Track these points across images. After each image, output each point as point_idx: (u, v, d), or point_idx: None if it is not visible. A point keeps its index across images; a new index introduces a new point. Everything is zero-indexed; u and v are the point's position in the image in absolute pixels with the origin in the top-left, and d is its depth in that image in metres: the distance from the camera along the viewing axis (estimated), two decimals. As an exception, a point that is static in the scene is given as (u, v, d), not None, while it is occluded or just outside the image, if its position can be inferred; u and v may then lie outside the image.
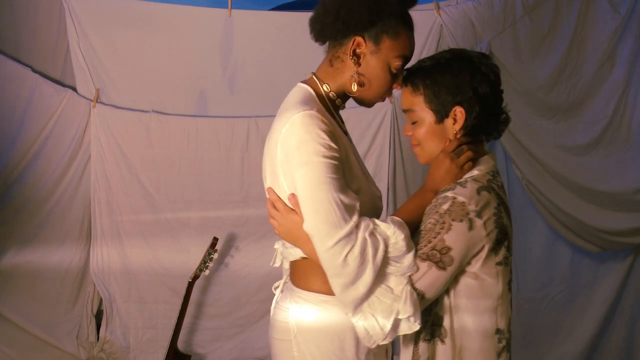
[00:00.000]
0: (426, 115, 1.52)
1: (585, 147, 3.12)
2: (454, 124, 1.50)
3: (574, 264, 3.37)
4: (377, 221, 1.41)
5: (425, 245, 1.42)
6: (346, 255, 1.35)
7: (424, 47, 3.30)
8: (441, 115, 1.50)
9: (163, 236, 3.47)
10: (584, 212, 3.13)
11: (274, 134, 1.48)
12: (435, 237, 1.41)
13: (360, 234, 1.37)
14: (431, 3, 3.35)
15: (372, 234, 1.38)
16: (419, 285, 1.40)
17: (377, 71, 1.49)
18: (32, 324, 3.39)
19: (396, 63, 1.50)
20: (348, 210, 1.38)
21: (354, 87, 1.50)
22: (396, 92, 1.61)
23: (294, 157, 1.41)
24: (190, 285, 3.25)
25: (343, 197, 1.39)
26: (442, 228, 1.41)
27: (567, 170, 3.16)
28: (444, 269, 1.41)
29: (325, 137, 1.40)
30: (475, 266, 1.45)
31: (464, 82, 1.47)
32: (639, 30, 2.96)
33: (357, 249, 1.36)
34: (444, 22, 3.33)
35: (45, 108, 3.32)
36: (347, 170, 1.47)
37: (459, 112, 1.49)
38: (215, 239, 3.30)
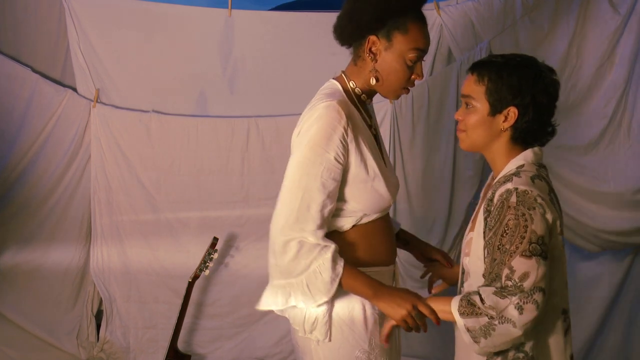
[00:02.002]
0: (482, 106, 1.58)
1: (585, 147, 3.12)
2: (503, 121, 1.58)
3: (574, 264, 3.37)
4: (329, 252, 1.52)
5: (521, 242, 1.44)
6: (296, 253, 1.52)
7: (423, 47, 3.31)
8: (495, 110, 1.57)
9: (163, 236, 3.47)
10: (584, 212, 3.13)
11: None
12: (526, 231, 1.44)
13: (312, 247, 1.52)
14: (431, 3, 3.34)
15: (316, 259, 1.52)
16: (538, 283, 1.43)
17: (393, 65, 1.61)
18: (32, 324, 3.39)
19: (411, 55, 1.61)
20: (320, 215, 1.53)
21: (373, 82, 1.63)
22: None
23: (297, 139, 1.58)
24: (190, 285, 3.25)
25: (322, 198, 1.53)
26: (526, 220, 1.45)
27: (567, 170, 3.16)
28: (546, 258, 1.45)
29: (335, 129, 1.53)
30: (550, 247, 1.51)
31: (527, 87, 1.56)
32: (639, 30, 2.96)
33: (295, 248, 1.52)
34: (444, 22, 3.33)
35: (45, 108, 3.32)
36: (357, 160, 1.59)
37: (512, 112, 1.56)
38: (215, 239, 3.30)
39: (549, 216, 1.48)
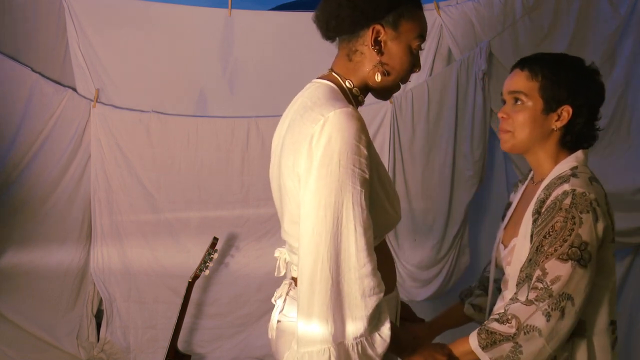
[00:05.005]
0: (535, 103, 1.51)
1: (585, 146, 3.12)
2: (556, 120, 1.51)
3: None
4: (386, 316, 1.34)
5: (561, 245, 1.36)
6: (373, 310, 1.30)
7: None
8: (550, 108, 1.50)
9: (163, 236, 3.47)
10: (584, 212, 3.12)
11: (300, 136, 1.35)
12: (570, 235, 1.36)
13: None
14: (431, 3, 3.35)
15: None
16: (567, 289, 1.35)
17: (400, 56, 1.45)
18: (32, 324, 3.39)
19: (416, 43, 1.46)
20: (371, 252, 1.30)
21: (378, 77, 1.44)
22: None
23: (316, 158, 1.30)
24: (190, 285, 3.25)
25: (367, 229, 1.30)
26: (574, 223, 1.37)
27: (567, 170, 3.15)
28: (585, 266, 1.36)
29: (361, 142, 1.30)
30: (598, 257, 1.42)
31: (582, 87, 1.49)
32: (639, 30, 2.96)
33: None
34: (444, 22, 3.33)
35: (45, 108, 3.31)
36: (376, 176, 1.38)
37: (566, 111, 1.50)
38: (215, 239, 3.30)
39: (600, 225, 1.39)
